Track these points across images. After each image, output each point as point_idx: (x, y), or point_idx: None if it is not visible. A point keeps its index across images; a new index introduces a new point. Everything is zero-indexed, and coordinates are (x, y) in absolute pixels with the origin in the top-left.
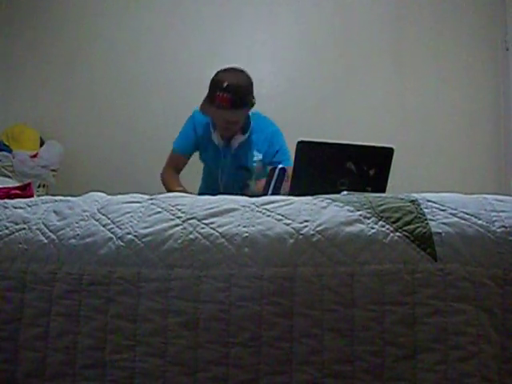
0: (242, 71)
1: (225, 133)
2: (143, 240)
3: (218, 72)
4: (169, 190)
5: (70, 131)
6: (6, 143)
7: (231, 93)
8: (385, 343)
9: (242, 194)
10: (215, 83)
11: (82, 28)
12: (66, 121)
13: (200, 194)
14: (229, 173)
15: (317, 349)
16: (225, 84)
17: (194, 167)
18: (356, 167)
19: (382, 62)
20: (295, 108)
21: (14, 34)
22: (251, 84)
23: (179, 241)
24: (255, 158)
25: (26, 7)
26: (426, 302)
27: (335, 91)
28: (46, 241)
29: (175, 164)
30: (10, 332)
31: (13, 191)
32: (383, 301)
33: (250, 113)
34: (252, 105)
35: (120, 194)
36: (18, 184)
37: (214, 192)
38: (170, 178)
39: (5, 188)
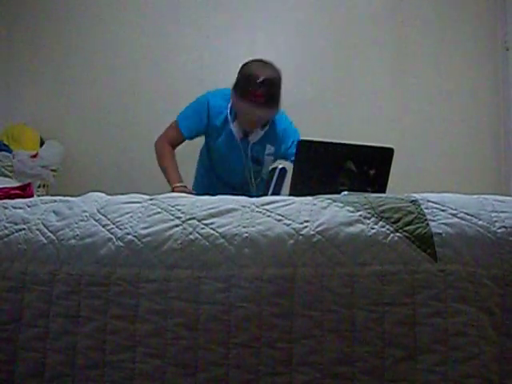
0: (271, 64)
1: (249, 126)
2: (143, 240)
3: (249, 64)
4: (161, 165)
5: (70, 131)
6: (6, 143)
7: (267, 88)
8: (385, 344)
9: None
10: (249, 77)
11: (83, 28)
12: (65, 121)
13: (198, 186)
14: (242, 164)
15: (317, 350)
16: (261, 78)
17: (191, 162)
18: (356, 167)
19: (382, 62)
20: (295, 108)
21: (14, 34)
22: (280, 77)
23: (179, 241)
24: (267, 151)
25: (26, 7)
26: (427, 302)
27: (335, 91)
28: (45, 241)
29: (174, 140)
30: (9, 332)
31: (13, 191)
32: (383, 301)
33: None
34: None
35: (120, 194)
36: (18, 184)
37: (221, 185)
38: (167, 153)
39: (5, 188)
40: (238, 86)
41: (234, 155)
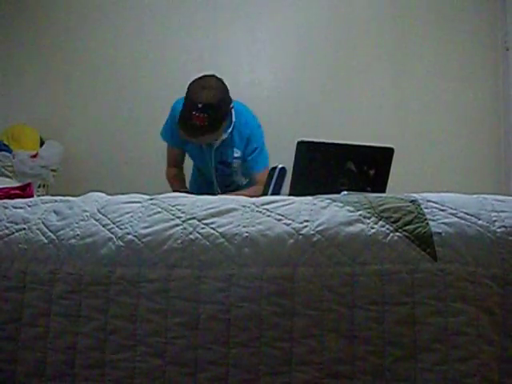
0: (215, 84)
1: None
2: (143, 240)
3: (190, 86)
4: (172, 190)
5: (70, 131)
6: (6, 143)
7: (206, 114)
8: (385, 343)
9: (228, 188)
10: (185, 102)
11: (82, 28)
12: (66, 121)
13: (192, 183)
14: (212, 167)
15: (317, 349)
16: (199, 105)
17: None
18: (356, 167)
19: (381, 62)
20: (295, 108)
21: (14, 34)
22: (227, 96)
23: (179, 241)
24: (235, 155)
25: (26, 7)
26: (426, 302)
27: (335, 91)
28: (45, 241)
29: (174, 158)
30: (9, 332)
31: (13, 191)
32: (383, 301)
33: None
34: (230, 112)
35: (120, 194)
36: (18, 184)
37: (204, 182)
38: (173, 180)
39: (5, 188)
40: (182, 111)
41: (203, 159)
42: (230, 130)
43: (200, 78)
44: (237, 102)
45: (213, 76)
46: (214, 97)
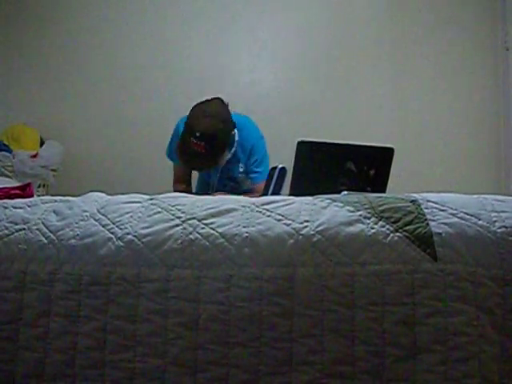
0: (217, 109)
1: None
2: (143, 240)
3: (191, 112)
4: None
5: (70, 131)
6: (6, 143)
7: (205, 143)
8: (385, 344)
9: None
10: (185, 128)
11: (83, 28)
12: (66, 121)
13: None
14: (219, 184)
15: (317, 349)
16: (197, 133)
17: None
18: (356, 167)
19: (381, 62)
20: (295, 108)
21: (14, 34)
22: (227, 124)
23: (179, 241)
24: (240, 169)
25: (26, 8)
26: (427, 302)
27: (335, 91)
28: (45, 241)
29: (180, 175)
30: (9, 332)
31: (13, 191)
32: (383, 301)
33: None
34: (230, 140)
35: (120, 194)
36: (18, 184)
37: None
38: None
39: (5, 188)
40: (182, 135)
41: (210, 176)
42: (233, 150)
43: (202, 102)
44: (238, 114)
45: (216, 99)
46: (213, 126)
